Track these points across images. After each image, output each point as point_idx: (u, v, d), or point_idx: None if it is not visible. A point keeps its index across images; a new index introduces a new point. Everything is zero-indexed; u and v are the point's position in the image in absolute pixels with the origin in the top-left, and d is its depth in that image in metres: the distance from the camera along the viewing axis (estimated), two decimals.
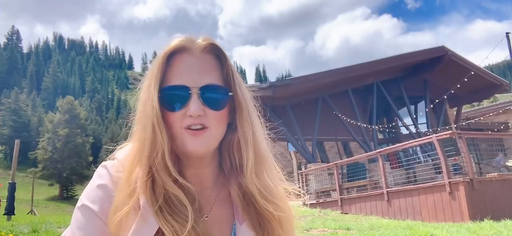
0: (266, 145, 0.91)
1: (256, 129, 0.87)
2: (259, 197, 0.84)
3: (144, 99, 0.82)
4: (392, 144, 16.06)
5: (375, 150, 12.75)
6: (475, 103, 27.52)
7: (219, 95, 0.82)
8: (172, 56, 0.83)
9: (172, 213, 0.77)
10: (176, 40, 0.84)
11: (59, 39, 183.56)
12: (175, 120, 0.80)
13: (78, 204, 0.84)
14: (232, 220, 0.88)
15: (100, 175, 0.85)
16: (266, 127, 0.96)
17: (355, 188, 11.34)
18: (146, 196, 0.78)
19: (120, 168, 0.84)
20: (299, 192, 0.96)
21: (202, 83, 0.81)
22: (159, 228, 0.77)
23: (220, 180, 0.91)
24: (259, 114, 0.91)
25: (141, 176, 0.79)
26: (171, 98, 0.80)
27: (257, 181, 0.85)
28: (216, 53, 0.86)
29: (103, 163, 0.88)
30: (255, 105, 0.91)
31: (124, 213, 0.77)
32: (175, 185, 0.79)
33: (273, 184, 0.88)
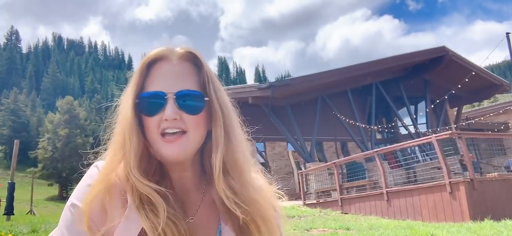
0: (246, 149, 0.93)
1: (230, 132, 0.89)
2: (226, 200, 0.86)
3: (122, 105, 0.88)
4: (390, 144, 16.07)
5: (372, 150, 12.75)
6: (475, 103, 27.54)
7: (195, 100, 0.86)
8: (152, 64, 0.88)
9: (151, 208, 0.81)
10: (156, 49, 0.89)
11: (58, 39, 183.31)
12: (152, 125, 0.84)
13: (68, 203, 0.86)
14: (218, 221, 0.91)
15: (91, 175, 0.89)
16: (248, 130, 0.98)
17: (355, 188, 11.34)
18: (128, 191, 0.83)
19: None
20: (282, 194, 0.99)
21: (178, 88, 0.85)
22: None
23: (204, 183, 0.94)
24: (240, 120, 0.94)
25: (122, 176, 0.85)
26: (148, 104, 0.84)
27: (228, 184, 0.86)
28: (194, 61, 0.89)
29: (94, 163, 0.92)
30: (235, 110, 0.93)
31: (94, 205, 0.81)
32: (145, 185, 0.81)
33: (252, 187, 0.89)
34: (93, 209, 0.81)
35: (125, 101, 0.87)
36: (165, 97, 0.84)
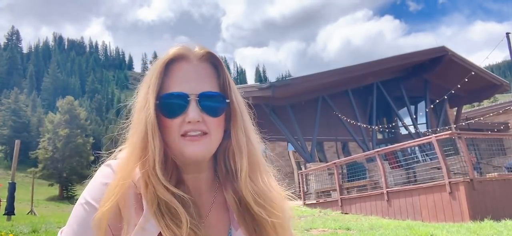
0: (260, 151, 0.92)
1: (250, 135, 0.89)
2: (253, 204, 0.85)
3: (140, 106, 0.84)
4: (391, 144, 16.07)
5: (373, 150, 12.75)
6: (475, 103, 27.52)
7: (217, 102, 0.84)
8: (170, 64, 0.85)
9: (172, 217, 0.78)
10: (174, 48, 0.86)
11: (58, 40, 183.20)
12: (173, 126, 0.82)
13: (81, 200, 0.83)
14: (228, 225, 0.89)
15: (105, 174, 0.85)
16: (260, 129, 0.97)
17: (355, 188, 11.33)
18: (146, 199, 0.79)
19: None
20: (293, 196, 0.98)
21: (200, 90, 0.83)
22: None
23: (216, 185, 0.92)
24: (253, 121, 0.93)
25: (139, 180, 0.81)
26: (170, 105, 0.82)
27: (251, 187, 0.86)
28: (213, 62, 0.88)
29: (107, 162, 0.88)
30: (248, 112, 0.93)
31: (112, 211, 0.78)
32: (166, 191, 0.79)
33: (268, 189, 0.89)
34: (110, 213, 0.79)
35: (144, 102, 0.82)
36: (188, 98, 0.81)
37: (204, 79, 0.84)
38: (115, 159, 0.88)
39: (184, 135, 0.81)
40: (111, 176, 0.83)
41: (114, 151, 0.91)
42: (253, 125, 0.93)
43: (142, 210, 0.79)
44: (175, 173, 0.84)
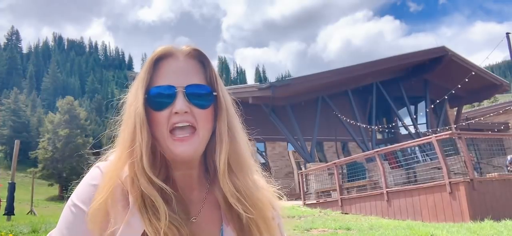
0: (247, 148, 0.93)
1: (235, 131, 0.90)
2: (229, 196, 0.86)
3: (130, 102, 0.86)
4: (391, 144, 16.06)
5: (373, 150, 12.74)
6: (475, 103, 27.53)
7: (203, 94, 0.86)
8: (158, 61, 0.88)
9: (155, 212, 0.79)
10: (161, 47, 0.89)
11: (58, 40, 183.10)
12: (162, 120, 0.83)
13: (69, 203, 0.85)
14: (221, 221, 0.90)
15: (93, 176, 0.87)
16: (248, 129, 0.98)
17: (355, 188, 11.33)
18: (131, 194, 0.81)
19: None
20: (281, 194, 0.99)
21: (187, 83, 0.85)
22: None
23: (207, 182, 0.93)
24: (241, 119, 0.95)
25: (124, 175, 0.82)
26: (158, 97, 0.84)
27: (232, 181, 0.86)
28: (200, 58, 0.90)
29: (96, 164, 0.90)
30: (236, 110, 0.94)
31: (101, 208, 0.79)
32: (151, 186, 0.80)
33: (252, 186, 0.89)
34: (98, 213, 0.80)
35: (134, 97, 0.85)
36: (175, 90, 0.83)
37: (191, 73, 0.87)
38: (105, 161, 0.89)
39: (172, 131, 0.82)
40: (99, 178, 0.85)
41: (109, 149, 0.92)
42: (240, 122, 0.94)
43: (128, 205, 0.80)
44: (163, 169, 0.85)
